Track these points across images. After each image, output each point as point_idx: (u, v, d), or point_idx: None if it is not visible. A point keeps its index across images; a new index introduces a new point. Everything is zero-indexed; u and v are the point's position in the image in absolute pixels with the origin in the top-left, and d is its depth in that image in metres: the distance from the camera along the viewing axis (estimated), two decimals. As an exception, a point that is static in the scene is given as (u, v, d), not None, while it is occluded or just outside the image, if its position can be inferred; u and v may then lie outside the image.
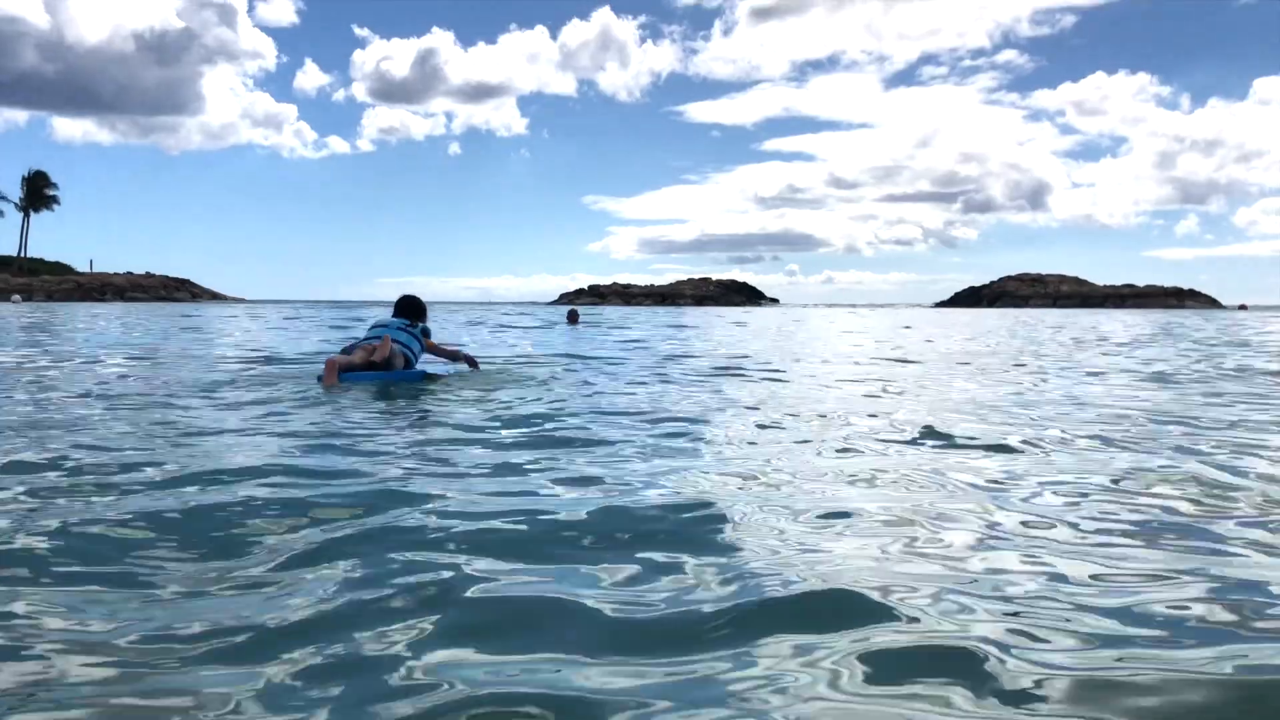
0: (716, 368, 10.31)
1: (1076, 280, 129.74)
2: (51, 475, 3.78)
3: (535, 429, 5.32)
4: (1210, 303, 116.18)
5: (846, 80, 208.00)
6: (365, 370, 7.58)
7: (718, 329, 24.76)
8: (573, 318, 24.77)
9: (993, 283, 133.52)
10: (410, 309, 8.43)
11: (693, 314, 50.56)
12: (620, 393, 7.46)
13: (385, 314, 8.62)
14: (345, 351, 7.84)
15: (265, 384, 7.49)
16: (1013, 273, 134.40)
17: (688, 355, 12.64)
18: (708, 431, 5.35)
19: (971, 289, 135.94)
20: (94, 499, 3.37)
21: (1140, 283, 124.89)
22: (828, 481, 3.93)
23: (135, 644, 2.09)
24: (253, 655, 2.02)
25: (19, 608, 2.28)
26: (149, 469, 3.91)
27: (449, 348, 8.77)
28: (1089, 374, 10.01)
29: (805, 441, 5.01)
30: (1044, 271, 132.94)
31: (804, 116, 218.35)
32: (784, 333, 22.69)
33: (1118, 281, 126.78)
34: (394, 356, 7.77)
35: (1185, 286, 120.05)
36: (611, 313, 50.45)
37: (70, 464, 4.00)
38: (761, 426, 5.57)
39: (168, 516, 3.09)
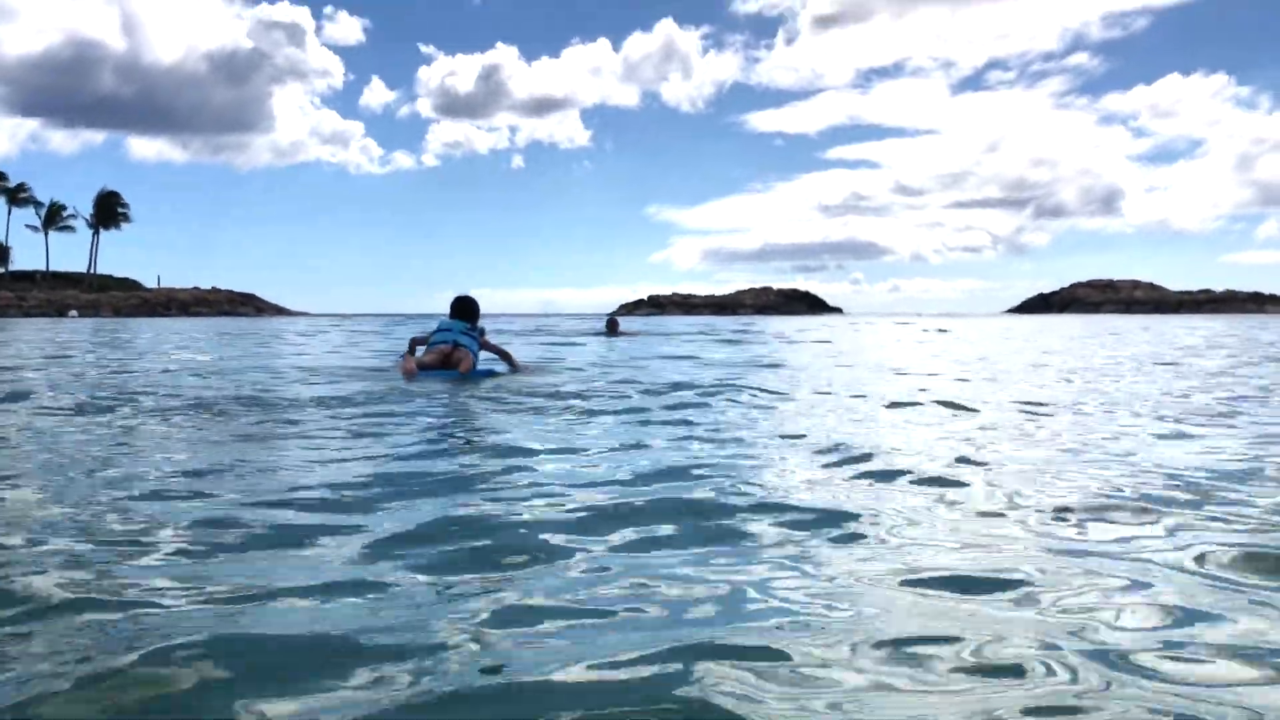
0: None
1: (1150, 286, 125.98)
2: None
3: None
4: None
5: (911, 86, 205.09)
6: (438, 370, 8.66)
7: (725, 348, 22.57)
8: (612, 327, 23.77)
9: (1063, 289, 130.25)
10: (468, 311, 9.16)
11: (720, 323, 49.06)
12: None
13: (444, 316, 9.41)
14: (411, 350, 9.01)
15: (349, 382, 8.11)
16: (1084, 279, 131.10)
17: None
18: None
19: (1041, 296, 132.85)
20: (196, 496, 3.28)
21: (1218, 288, 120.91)
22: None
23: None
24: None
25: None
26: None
27: (498, 346, 9.54)
28: None
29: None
30: (1116, 277, 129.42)
31: (868, 124, 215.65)
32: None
33: (1194, 287, 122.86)
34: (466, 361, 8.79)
35: (1266, 291, 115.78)
36: (666, 323, 49.46)
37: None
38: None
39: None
